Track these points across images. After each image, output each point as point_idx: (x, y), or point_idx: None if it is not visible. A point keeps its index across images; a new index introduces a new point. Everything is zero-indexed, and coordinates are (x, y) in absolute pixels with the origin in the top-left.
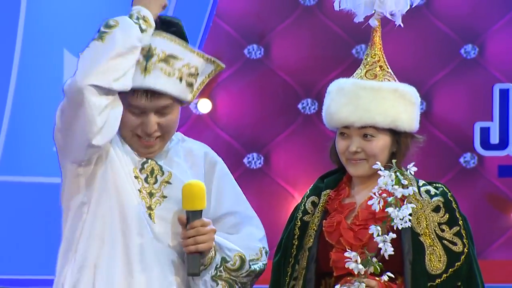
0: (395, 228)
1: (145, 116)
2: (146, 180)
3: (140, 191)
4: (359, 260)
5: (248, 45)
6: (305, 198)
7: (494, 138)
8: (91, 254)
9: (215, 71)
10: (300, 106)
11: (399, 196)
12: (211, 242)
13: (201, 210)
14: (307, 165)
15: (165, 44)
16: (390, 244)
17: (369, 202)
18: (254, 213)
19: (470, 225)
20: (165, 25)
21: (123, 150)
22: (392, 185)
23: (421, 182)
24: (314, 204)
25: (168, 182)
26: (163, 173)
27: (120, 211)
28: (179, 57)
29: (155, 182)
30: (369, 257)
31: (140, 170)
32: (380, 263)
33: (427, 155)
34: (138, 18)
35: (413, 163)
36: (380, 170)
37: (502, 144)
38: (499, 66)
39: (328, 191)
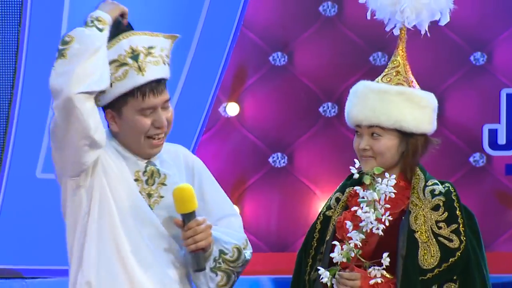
0: (365, 230)
1: (155, 113)
2: (146, 182)
3: (140, 192)
4: (340, 251)
5: (273, 52)
6: (333, 195)
7: (502, 139)
8: (96, 259)
9: (172, 43)
10: (321, 109)
11: (361, 197)
12: (209, 238)
13: (194, 211)
14: (328, 164)
15: (140, 39)
16: (358, 242)
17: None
18: (230, 202)
19: (477, 221)
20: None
21: (122, 157)
22: (368, 190)
23: (431, 182)
24: (338, 200)
25: (163, 184)
26: (160, 175)
27: (120, 216)
28: (154, 45)
29: (153, 184)
30: (348, 250)
31: (143, 173)
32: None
33: (439, 155)
34: (92, 21)
35: (393, 175)
36: (354, 173)
37: (509, 145)
38: (506, 72)
39: (350, 188)
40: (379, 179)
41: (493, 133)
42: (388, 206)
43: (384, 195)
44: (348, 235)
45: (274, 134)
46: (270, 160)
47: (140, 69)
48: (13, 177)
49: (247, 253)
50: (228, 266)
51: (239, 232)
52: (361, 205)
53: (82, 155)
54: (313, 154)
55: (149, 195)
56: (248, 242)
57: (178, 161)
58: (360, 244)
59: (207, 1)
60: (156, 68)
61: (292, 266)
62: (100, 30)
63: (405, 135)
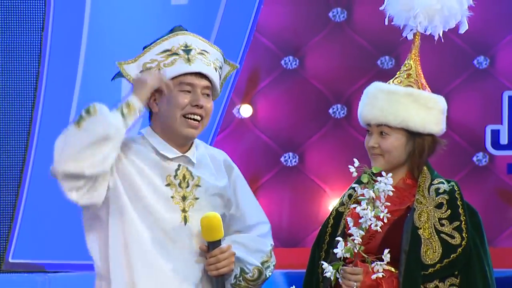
0: (365, 227)
1: (194, 93)
2: (179, 185)
3: (173, 197)
4: (343, 247)
5: (285, 56)
6: (347, 191)
7: (504, 139)
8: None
9: (230, 72)
10: (330, 111)
11: (366, 196)
12: (231, 265)
13: (220, 239)
14: (337, 163)
15: (196, 41)
16: (358, 238)
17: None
18: (261, 208)
19: (480, 219)
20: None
21: (153, 164)
22: (363, 187)
23: (437, 180)
24: (350, 197)
25: (198, 185)
26: (193, 178)
27: (148, 229)
28: (209, 52)
29: (187, 186)
30: (351, 246)
31: (174, 177)
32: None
33: (444, 154)
34: (122, 106)
35: (390, 174)
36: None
37: (511, 145)
38: (508, 75)
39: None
40: (378, 178)
41: (495, 134)
42: (388, 204)
43: (383, 193)
44: (349, 231)
45: (286, 135)
46: (282, 159)
47: (188, 60)
48: (36, 175)
49: (270, 267)
50: (247, 284)
51: (264, 244)
52: (361, 203)
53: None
54: (323, 153)
55: (184, 198)
56: (273, 252)
57: (217, 164)
58: (360, 240)
59: (222, 8)
60: (204, 65)
61: (303, 261)
62: (124, 116)
63: (412, 135)
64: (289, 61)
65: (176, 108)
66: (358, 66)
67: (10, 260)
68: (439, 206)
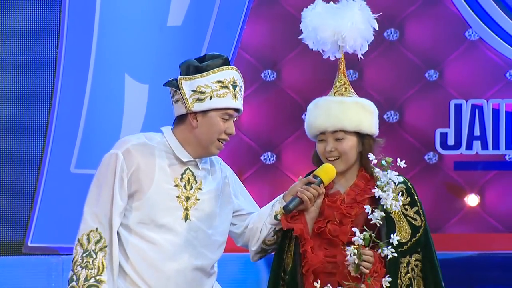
0: (385, 208)
1: (229, 122)
2: (184, 187)
3: (178, 196)
4: (361, 237)
5: (264, 70)
6: None
7: (451, 141)
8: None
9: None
10: (303, 116)
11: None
12: (312, 200)
13: (323, 182)
14: (309, 162)
15: (239, 78)
16: (379, 221)
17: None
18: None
19: (424, 207)
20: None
21: (164, 165)
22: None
23: (392, 173)
24: None
25: (200, 188)
26: (196, 182)
27: (159, 220)
28: (242, 87)
29: (191, 188)
30: (368, 235)
31: (181, 179)
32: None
33: (400, 153)
34: None
35: (403, 160)
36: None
37: (457, 146)
38: (454, 87)
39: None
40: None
41: (443, 136)
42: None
43: (392, 183)
44: (369, 216)
45: (265, 136)
46: (262, 158)
47: (235, 96)
48: (52, 171)
49: None
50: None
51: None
52: (384, 188)
53: None
54: (297, 153)
55: (187, 198)
56: None
57: (214, 168)
58: (381, 222)
59: (211, 28)
60: (241, 102)
61: None
62: None
63: (361, 137)
64: (268, 74)
65: (215, 133)
66: (327, 78)
67: (29, 244)
68: (401, 194)
